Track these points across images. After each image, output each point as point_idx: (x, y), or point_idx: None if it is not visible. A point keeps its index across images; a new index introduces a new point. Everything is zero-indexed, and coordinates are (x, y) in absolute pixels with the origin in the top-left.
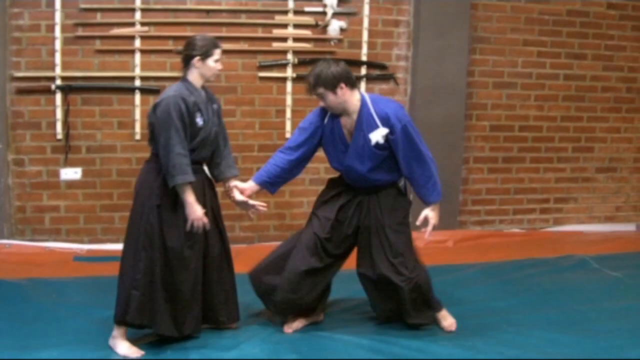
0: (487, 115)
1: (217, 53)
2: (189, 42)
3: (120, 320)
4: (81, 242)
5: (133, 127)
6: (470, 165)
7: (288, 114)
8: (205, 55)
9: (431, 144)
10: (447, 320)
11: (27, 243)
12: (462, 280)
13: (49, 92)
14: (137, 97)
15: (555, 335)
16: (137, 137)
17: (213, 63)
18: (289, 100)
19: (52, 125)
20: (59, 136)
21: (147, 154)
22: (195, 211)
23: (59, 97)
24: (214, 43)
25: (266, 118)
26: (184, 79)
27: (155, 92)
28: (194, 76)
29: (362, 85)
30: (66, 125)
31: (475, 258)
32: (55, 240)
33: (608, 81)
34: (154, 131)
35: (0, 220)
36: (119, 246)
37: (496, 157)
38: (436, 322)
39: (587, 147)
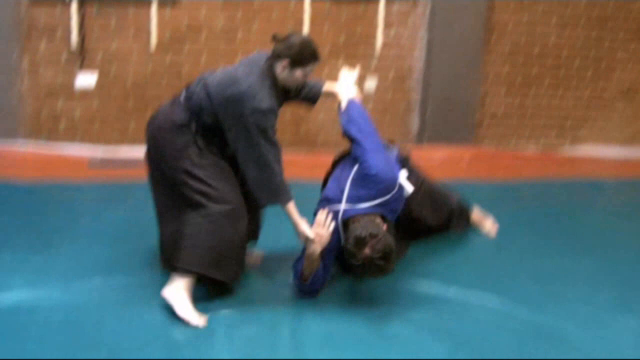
0: (507, 36)
1: (311, 66)
2: (291, 41)
3: (190, 270)
4: (95, 147)
5: (148, 38)
6: (488, 84)
7: None
8: (299, 63)
9: (450, 62)
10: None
11: (42, 147)
12: (474, 197)
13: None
14: (154, 7)
15: (565, 260)
16: (152, 48)
17: (300, 74)
18: None
19: (68, 33)
20: (74, 44)
21: (162, 64)
22: (305, 230)
23: (74, 5)
24: (314, 55)
25: None
26: (270, 71)
27: (171, 2)
28: (278, 73)
29: (381, 4)
30: (81, 33)
31: (489, 176)
32: (70, 144)
33: (632, 6)
34: (227, 122)
35: (15, 124)
36: (133, 152)
37: (515, 78)
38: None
39: (607, 71)
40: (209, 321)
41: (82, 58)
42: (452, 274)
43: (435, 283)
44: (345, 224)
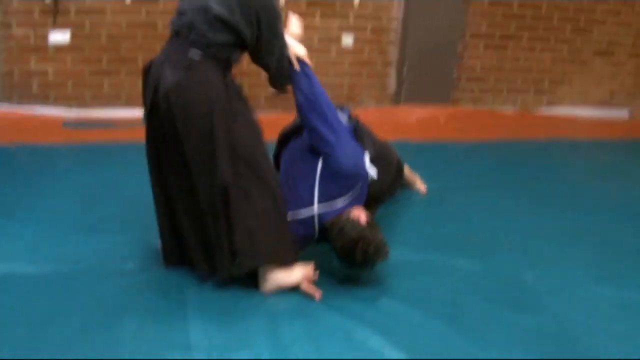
0: None
1: None
2: None
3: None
4: (69, 107)
5: None
6: (466, 41)
7: None
8: None
9: (429, 18)
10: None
11: (15, 107)
12: (450, 157)
13: None
14: None
15: (540, 219)
16: (128, 0)
17: None
18: None
19: None
20: None
21: (138, 17)
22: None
23: None
24: None
25: None
26: None
27: None
28: None
29: None
30: None
31: (465, 136)
32: (43, 105)
33: None
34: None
35: None
36: (107, 112)
37: (493, 34)
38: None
39: (585, 29)
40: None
41: (55, 13)
42: (423, 238)
43: (407, 249)
44: (325, 228)
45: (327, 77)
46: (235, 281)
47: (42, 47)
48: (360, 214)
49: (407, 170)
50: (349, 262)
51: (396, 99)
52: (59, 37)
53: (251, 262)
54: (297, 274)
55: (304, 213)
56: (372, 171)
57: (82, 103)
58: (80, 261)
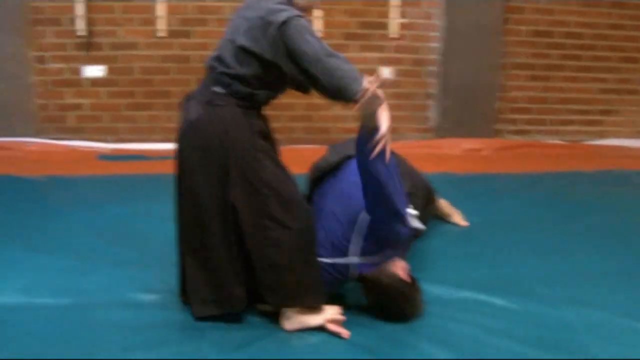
0: (525, 20)
1: None
2: None
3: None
4: (105, 141)
5: (154, 24)
6: (508, 72)
7: None
8: None
9: (468, 48)
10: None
11: (50, 141)
12: (493, 190)
13: None
14: None
15: (583, 252)
16: (160, 34)
17: None
18: None
19: (73, 21)
20: (80, 32)
21: (170, 52)
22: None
23: None
24: None
25: None
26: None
27: None
28: None
29: None
30: (87, 22)
31: (510, 168)
32: (79, 139)
33: None
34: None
35: (22, 118)
36: (143, 145)
37: (535, 64)
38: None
39: (632, 57)
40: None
41: (88, 47)
42: (457, 275)
43: (439, 285)
44: (360, 278)
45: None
46: (256, 318)
47: (76, 81)
48: (400, 269)
49: (444, 203)
50: (381, 315)
51: (437, 132)
52: (93, 71)
53: (275, 300)
54: (323, 315)
55: (337, 261)
56: (418, 224)
57: (117, 136)
58: (99, 294)
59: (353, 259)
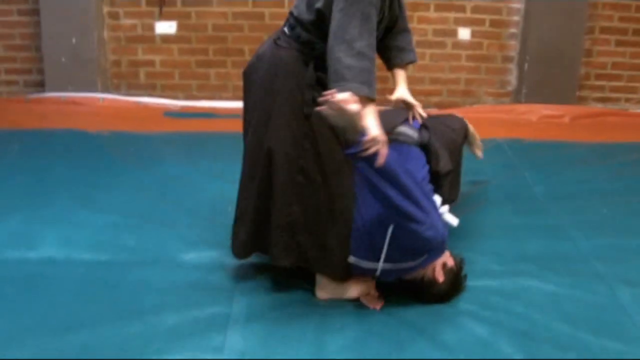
0: None
1: None
2: None
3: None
4: (176, 98)
5: None
6: (595, 36)
7: None
8: None
9: (551, 10)
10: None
11: (120, 97)
12: (567, 158)
13: None
14: None
15: None
16: None
17: None
18: None
19: None
20: None
21: (244, 8)
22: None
23: None
24: None
25: None
26: None
27: None
28: None
29: None
30: None
31: (591, 137)
32: (150, 95)
33: None
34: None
35: (95, 74)
36: (213, 103)
37: (626, 29)
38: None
39: None
40: None
41: (161, 4)
42: (505, 249)
43: (483, 260)
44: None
45: (443, 72)
46: (293, 281)
47: (149, 38)
48: (438, 272)
49: (471, 130)
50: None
51: (516, 97)
52: (166, 27)
53: (281, 260)
54: (355, 290)
55: (364, 264)
56: (453, 220)
57: (188, 94)
58: (138, 252)
59: (380, 265)
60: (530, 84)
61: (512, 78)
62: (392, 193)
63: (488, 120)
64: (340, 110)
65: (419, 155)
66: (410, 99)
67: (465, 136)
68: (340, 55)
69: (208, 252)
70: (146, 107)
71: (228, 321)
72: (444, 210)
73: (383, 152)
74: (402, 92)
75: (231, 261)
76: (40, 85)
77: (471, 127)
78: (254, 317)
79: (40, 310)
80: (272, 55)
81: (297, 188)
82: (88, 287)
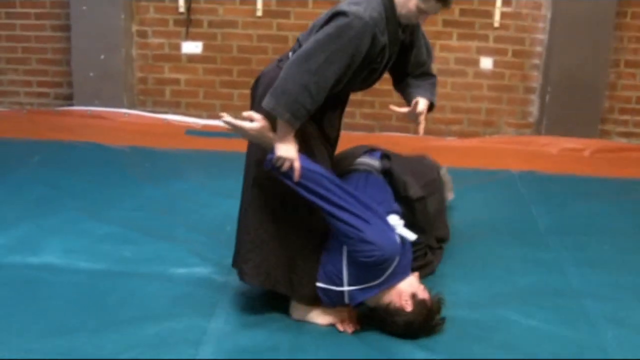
0: None
1: (433, 3)
2: None
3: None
4: (199, 116)
5: (255, 3)
6: (620, 69)
7: None
8: None
9: (575, 42)
10: None
11: (144, 113)
12: (584, 192)
13: None
14: None
15: None
16: (259, 13)
17: (414, 5)
18: None
19: None
20: (181, 9)
21: (269, 31)
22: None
23: None
24: None
25: None
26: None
27: None
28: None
29: None
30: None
31: (610, 172)
32: (174, 113)
33: None
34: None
35: (121, 90)
36: (235, 123)
37: None
38: None
39: None
40: None
41: (188, 24)
42: (496, 286)
43: (470, 294)
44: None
45: (464, 101)
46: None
47: (175, 57)
48: (398, 296)
49: (443, 170)
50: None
51: (538, 128)
52: (192, 47)
53: (242, 275)
54: (327, 318)
55: (332, 288)
56: (409, 235)
57: (211, 113)
58: (133, 263)
59: (346, 289)
60: (551, 115)
61: (534, 109)
62: (322, 203)
63: (507, 151)
64: (236, 129)
65: (379, 182)
66: (423, 107)
67: (438, 173)
68: (288, 75)
69: (199, 268)
70: (169, 124)
71: (204, 335)
72: (398, 223)
73: (297, 167)
74: (422, 101)
75: (220, 277)
76: (69, 99)
77: (444, 169)
78: (230, 333)
79: (30, 314)
80: (271, 74)
81: (268, 208)
82: (79, 294)
